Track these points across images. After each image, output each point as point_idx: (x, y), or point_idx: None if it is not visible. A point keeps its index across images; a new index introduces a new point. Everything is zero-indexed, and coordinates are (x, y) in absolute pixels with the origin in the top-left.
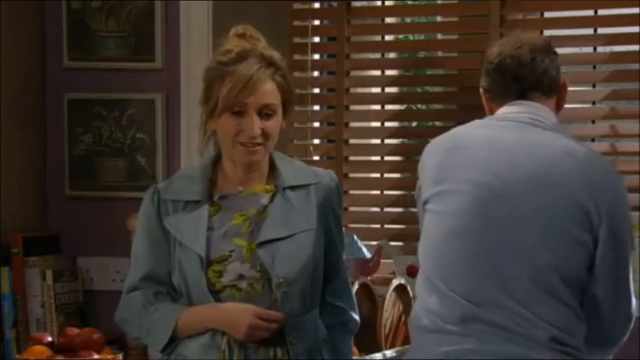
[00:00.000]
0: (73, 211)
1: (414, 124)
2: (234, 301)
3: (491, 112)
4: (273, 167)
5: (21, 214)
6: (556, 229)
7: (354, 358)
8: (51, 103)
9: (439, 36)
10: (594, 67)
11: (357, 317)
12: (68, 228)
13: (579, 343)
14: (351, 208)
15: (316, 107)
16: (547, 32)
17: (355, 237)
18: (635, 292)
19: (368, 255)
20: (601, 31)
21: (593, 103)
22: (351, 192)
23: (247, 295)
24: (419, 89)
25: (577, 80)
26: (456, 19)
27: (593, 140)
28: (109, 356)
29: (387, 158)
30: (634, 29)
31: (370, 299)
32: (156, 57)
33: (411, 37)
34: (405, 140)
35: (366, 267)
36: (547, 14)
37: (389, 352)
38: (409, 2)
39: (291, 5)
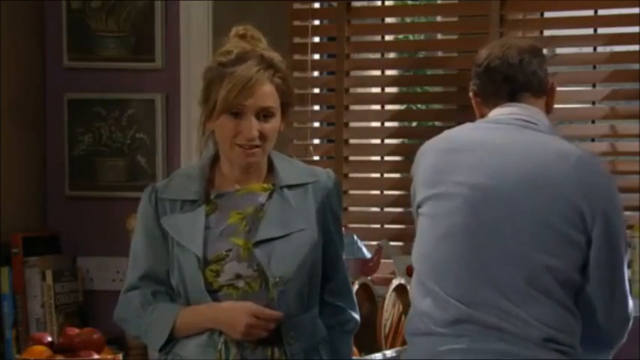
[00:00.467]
0: (73, 211)
1: (414, 124)
2: (232, 300)
3: (482, 115)
4: (270, 166)
5: (21, 214)
6: (550, 229)
7: (354, 358)
8: (51, 103)
9: (439, 36)
10: (594, 67)
11: (357, 317)
12: (68, 228)
13: (575, 342)
14: (351, 208)
15: (316, 107)
16: (547, 32)
17: (355, 237)
18: (635, 292)
19: (368, 255)
20: (601, 31)
21: (593, 103)
22: (351, 192)
23: (244, 295)
24: (419, 89)
25: (577, 80)
26: (455, 19)
27: (593, 140)
28: (109, 356)
29: (387, 158)
30: (634, 29)
31: (370, 299)
32: (156, 57)
33: (411, 37)
34: (405, 140)
35: (366, 267)
36: (547, 14)
37: (389, 352)
38: (409, 2)
39: (291, 5)
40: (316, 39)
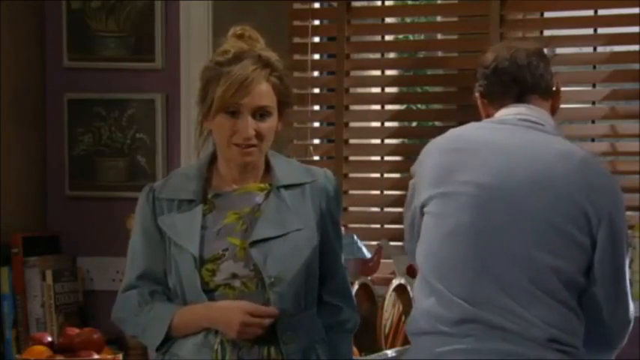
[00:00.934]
0: (73, 211)
1: (414, 124)
2: (228, 299)
3: (488, 116)
4: (268, 166)
5: (21, 214)
6: (554, 230)
7: (354, 358)
8: (51, 103)
9: (439, 36)
10: (594, 67)
11: (356, 316)
12: (68, 228)
13: (578, 343)
14: (351, 208)
15: (316, 107)
16: (547, 32)
17: (355, 237)
18: (635, 293)
19: (368, 255)
20: (601, 31)
21: (593, 103)
22: (351, 192)
23: (241, 294)
24: (419, 89)
25: (577, 80)
26: (456, 19)
27: (593, 140)
28: (109, 356)
29: (387, 158)
30: (634, 29)
31: (370, 299)
32: (156, 57)
33: (411, 37)
34: (405, 140)
35: (366, 267)
36: (547, 14)
37: (389, 352)
38: (409, 2)
39: (291, 5)
40: (316, 39)
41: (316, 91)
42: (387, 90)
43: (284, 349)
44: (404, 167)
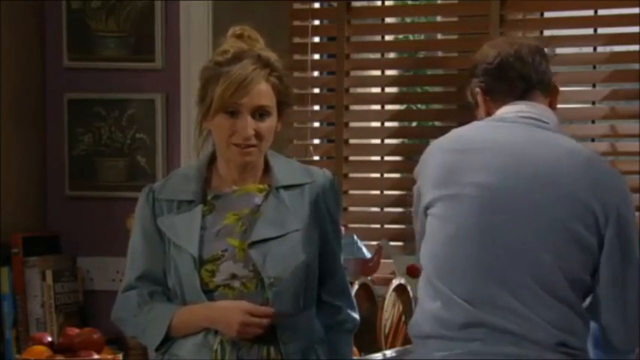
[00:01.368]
0: (73, 211)
1: (414, 124)
2: (228, 300)
3: (489, 114)
4: (267, 167)
5: (21, 214)
6: (560, 229)
7: (354, 358)
8: (51, 103)
9: (439, 36)
10: (594, 67)
11: (356, 316)
12: (68, 228)
13: (583, 345)
14: (351, 208)
15: (316, 107)
16: (547, 32)
17: (355, 237)
18: None
19: (368, 255)
20: (601, 31)
21: (593, 103)
22: (351, 192)
23: (240, 295)
24: (419, 89)
25: (577, 80)
26: (455, 19)
27: (593, 140)
28: (109, 356)
29: (387, 158)
30: (634, 29)
31: (370, 299)
32: (156, 57)
33: (411, 37)
34: (405, 140)
35: (366, 267)
36: (547, 14)
37: (389, 352)
38: (409, 2)
39: (291, 5)
40: (316, 39)
41: (316, 91)
42: (387, 90)
43: (283, 349)
44: (404, 167)
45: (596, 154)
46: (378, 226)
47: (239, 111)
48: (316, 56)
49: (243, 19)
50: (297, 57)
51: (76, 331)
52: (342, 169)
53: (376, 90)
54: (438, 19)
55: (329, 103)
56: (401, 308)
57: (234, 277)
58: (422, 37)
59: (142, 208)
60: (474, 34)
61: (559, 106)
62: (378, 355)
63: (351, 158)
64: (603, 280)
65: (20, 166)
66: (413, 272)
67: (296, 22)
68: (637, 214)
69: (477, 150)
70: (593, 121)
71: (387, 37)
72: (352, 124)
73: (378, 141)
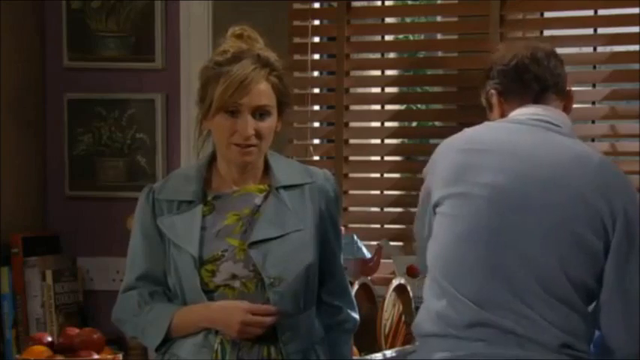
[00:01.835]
0: (73, 211)
1: (414, 124)
2: (228, 300)
3: (503, 115)
4: (267, 167)
5: (21, 214)
6: (568, 233)
7: (354, 358)
8: (51, 103)
9: (439, 36)
10: (594, 67)
11: (356, 316)
12: (68, 228)
13: (587, 348)
14: (351, 208)
15: (316, 107)
16: (547, 32)
17: (355, 237)
18: None
19: (368, 255)
20: (601, 31)
21: (593, 103)
22: (351, 192)
23: (241, 295)
24: (419, 89)
25: (577, 80)
26: (456, 19)
27: (593, 140)
28: (109, 356)
29: (387, 158)
30: (634, 29)
31: (370, 299)
32: (156, 57)
33: (411, 37)
34: (405, 140)
35: (366, 267)
36: (547, 14)
37: (389, 352)
38: (409, 2)
39: (291, 5)
40: (316, 39)
41: (316, 91)
42: (387, 90)
43: (284, 349)
44: (404, 167)
45: (608, 159)
46: (378, 226)
47: (239, 111)
48: (316, 56)
49: (243, 19)
50: (297, 57)
51: (76, 331)
52: (342, 169)
53: (376, 90)
54: (438, 19)
55: (329, 103)
56: (401, 308)
57: (234, 277)
58: (422, 37)
59: (142, 209)
60: (474, 34)
61: None
62: (378, 355)
63: (351, 158)
64: (607, 284)
65: (20, 166)
66: (413, 272)
67: (296, 22)
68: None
69: (489, 150)
70: (593, 121)
71: (387, 37)
72: (352, 124)
73: (378, 141)
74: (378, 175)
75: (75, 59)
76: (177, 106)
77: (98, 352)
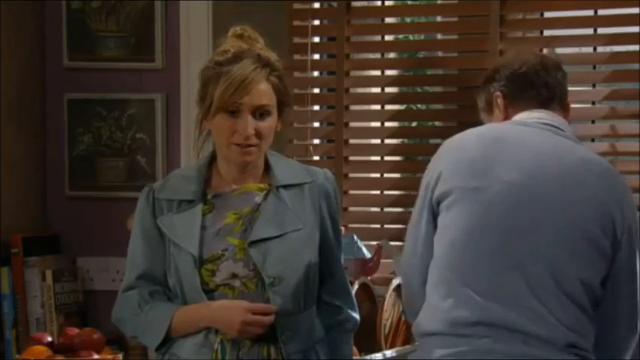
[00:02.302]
0: (73, 211)
1: (414, 124)
2: (228, 299)
3: (506, 118)
4: (267, 166)
5: (21, 214)
6: (582, 233)
7: (354, 358)
8: (51, 103)
9: (439, 36)
10: (594, 67)
11: (356, 316)
12: (68, 228)
13: (590, 345)
14: (351, 208)
15: (316, 107)
16: (547, 32)
17: (355, 237)
18: None
19: (368, 255)
20: (601, 31)
21: (593, 103)
22: (351, 192)
23: (241, 294)
24: (419, 89)
25: (577, 80)
26: (456, 19)
27: (593, 140)
28: (109, 356)
29: (387, 158)
30: (634, 29)
31: (370, 299)
32: (156, 57)
33: (411, 37)
34: (405, 140)
35: (366, 267)
36: (547, 14)
37: (389, 352)
38: (409, 2)
39: (291, 5)
40: (316, 39)
41: (316, 91)
42: (387, 90)
43: (284, 349)
44: (404, 167)
45: (613, 167)
46: (378, 226)
47: (239, 110)
48: (316, 56)
49: (243, 19)
50: (297, 57)
51: (76, 331)
52: (342, 169)
53: (376, 90)
54: (438, 19)
55: (329, 104)
56: (401, 308)
57: (234, 276)
58: (422, 37)
59: (142, 208)
60: (474, 34)
61: None
62: (378, 355)
63: (351, 158)
64: (613, 289)
65: (20, 166)
66: None
67: (296, 22)
68: (637, 213)
69: (501, 147)
70: (593, 121)
71: (387, 37)
72: (352, 124)
73: (378, 141)
74: (378, 175)
75: (75, 59)
76: (177, 106)
77: (98, 352)
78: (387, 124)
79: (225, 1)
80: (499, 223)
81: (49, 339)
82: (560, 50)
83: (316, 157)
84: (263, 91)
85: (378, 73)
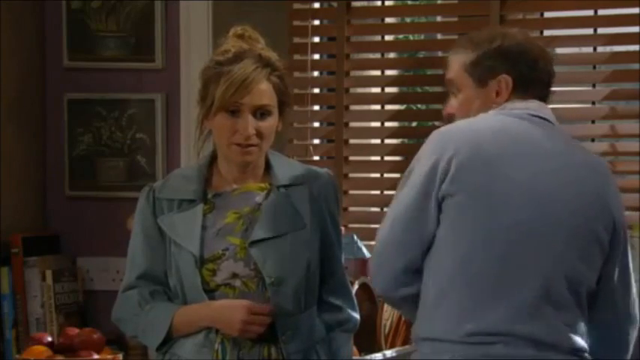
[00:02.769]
0: (73, 211)
1: (414, 124)
2: (228, 299)
3: (500, 102)
4: (268, 166)
5: (21, 214)
6: (588, 232)
7: (354, 358)
8: (51, 103)
9: (439, 36)
10: (594, 67)
11: (356, 316)
12: (68, 228)
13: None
14: (351, 208)
15: (316, 107)
16: (547, 32)
17: (355, 237)
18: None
19: (368, 255)
20: (601, 31)
21: (593, 103)
22: (351, 192)
23: (241, 294)
24: (419, 89)
25: (577, 80)
26: (455, 19)
27: (593, 140)
28: (109, 356)
29: (387, 158)
30: (634, 29)
31: (370, 299)
32: (156, 57)
33: (411, 37)
34: (405, 140)
35: (366, 267)
36: (547, 14)
37: (389, 352)
38: (409, 2)
39: (291, 5)
40: (316, 39)
41: (316, 91)
42: (387, 90)
43: (284, 349)
44: (404, 167)
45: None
46: (378, 226)
47: (240, 110)
48: (316, 56)
49: (243, 19)
50: (297, 57)
51: (76, 331)
52: (342, 169)
53: (376, 90)
54: (438, 19)
55: (329, 104)
56: None
57: (235, 276)
58: (422, 37)
59: (143, 208)
60: None
61: (559, 105)
62: (378, 355)
63: (351, 158)
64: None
65: (20, 166)
66: None
67: (296, 22)
68: (637, 214)
69: (517, 148)
70: (593, 121)
71: (387, 37)
72: (352, 124)
73: (378, 141)
74: (378, 175)
75: (75, 59)
76: (178, 106)
77: (98, 352)
78: (387, 124)
79: (225, 1)
80: (510, 228)
81: (49, 339)
82: (560, 50)
83: (316, 157)
84: (264, 91)
85: (378, 73)
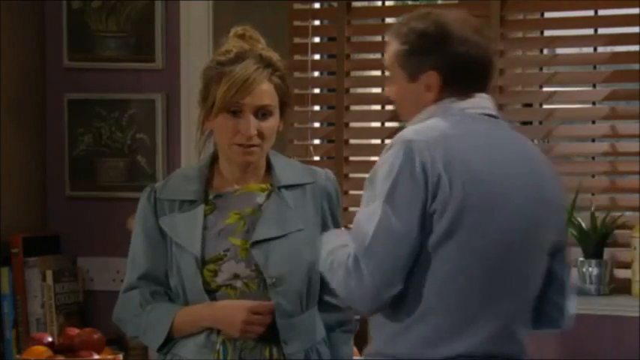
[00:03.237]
0: (73, 211)
1: None
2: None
3: (433, 101)
4: (269, 166)
5: (21, 214)
6: (547, 244)
7: (354, 358)
8: (51, 103)
9: None
10: (594, 67)
11: (357, 316)
12: (68, 228)
13: None
14: (351, 209)
15: (316, 107)
16: (547, 32)
17: None
18: (635, 292)
19: None
20: (601, 31)
21: (593, 103)
22: (351, 192)
23: (242, 295)
24: None
25: (577, 80)
26: None
27: (593, 140)
28: (109, 356)
29: None
30: (634, 29)
31: None
32: (156, 57)
33: None
34: None
35: None
36: (547, 14)
37: None
38: (409, 2)
39: (291, 5)
40: (316, 39)
41: (316, 91)
42: None
43: (285, 350)
44: None
45: None
46: None
47: (241, 111)
48: (316, 56)
49: (243, 19)
50: (297, 57)
51: (76, 331)
52: (342, 170)
53: (376, 90)
54: None
55: (329, 104)
56: None
57: (236, 277)
58: None
59: (144, 208)
60: None
61: (559, 106)
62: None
63: (352, 158)
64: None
65: (20, 166)
66: None
67: (296, 23)
68: (637, 214)
69: (494, 158)
70: (593, 121)
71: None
72: (352, 125)
73: (378, 141)
74: None
75: (75, 59)
76: (178, 106)
77: (98, 352)
78: (387, 124)
79: (225, 1)
80: (492, 250)
81: (49, 339)
82: (560, 50)
83: (316, 158)
84: (265, 92)
85: (378, 73)
